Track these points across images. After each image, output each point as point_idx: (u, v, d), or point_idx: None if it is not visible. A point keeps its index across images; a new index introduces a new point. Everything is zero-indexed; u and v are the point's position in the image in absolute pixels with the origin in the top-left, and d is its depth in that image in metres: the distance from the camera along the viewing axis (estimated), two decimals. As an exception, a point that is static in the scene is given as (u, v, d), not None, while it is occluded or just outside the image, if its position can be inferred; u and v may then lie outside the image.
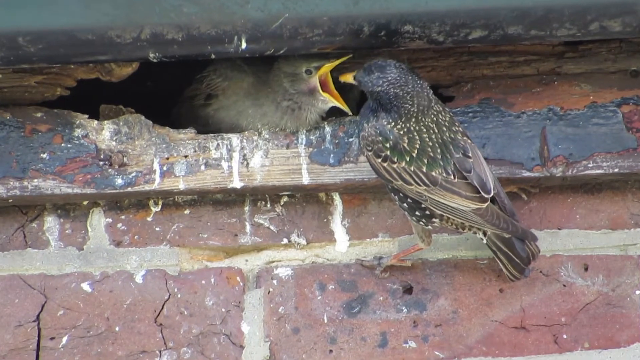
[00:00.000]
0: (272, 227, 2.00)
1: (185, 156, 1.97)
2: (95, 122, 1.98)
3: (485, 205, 1.85)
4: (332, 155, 1.98)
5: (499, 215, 1.85)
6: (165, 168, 1.97)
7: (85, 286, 1.97)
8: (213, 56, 1.86)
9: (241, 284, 1.99)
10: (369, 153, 1.87)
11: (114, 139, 1.98)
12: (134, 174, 1.96)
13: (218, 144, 1.98)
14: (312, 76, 1.97)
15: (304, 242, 2.00)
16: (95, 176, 1.96)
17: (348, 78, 1.92)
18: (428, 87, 1.87)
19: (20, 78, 1.96)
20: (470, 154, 1.86)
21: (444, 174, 1.85)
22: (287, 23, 1.80)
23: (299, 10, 1.79)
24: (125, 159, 1.96)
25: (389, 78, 1.84)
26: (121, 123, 1.98)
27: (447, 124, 1.87)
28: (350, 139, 1.98)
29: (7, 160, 1.95)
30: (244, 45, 1.83)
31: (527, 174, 1.97)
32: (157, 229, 2.00)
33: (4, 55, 1.81)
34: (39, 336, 1.94)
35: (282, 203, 2.01)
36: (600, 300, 1.98)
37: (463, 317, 1.97)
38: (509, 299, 1.98)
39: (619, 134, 1.98)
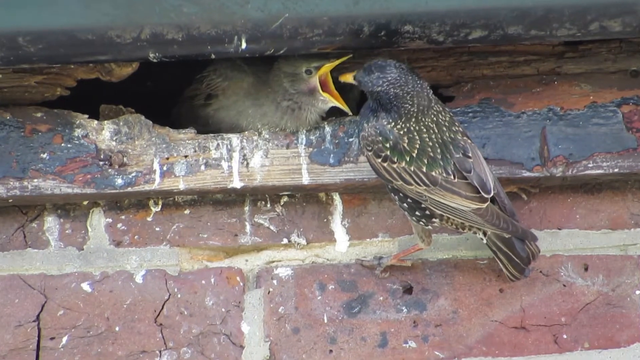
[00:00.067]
0: (272, 227, 2.00)
1: (185, 156, 1.97)
2: (95, 122, 1.98)
3: (485, 205, 1.85)
4: (332, 155, 1.98)
5: (499, 215, 1.85)
6: (165, 168, 1.97)
7: (85, 286, 1.97)
8: (213, 56, 1.86)
9: (241, 284, 1.99)
10: (369, 153, 1.87)
11: (114, 139, 1.98)
12: (134, 174, 1.96)
13: (218, 144, 1.98)
14: (312, 76, 1.97)
15: (304, 242, 2.00)
16: (95, 176, 1.96)
17: (348, 78, 1.92)
18: (428, 87, 1.87)
19: (20, 78, 1.96)
20: (470, 154, 1.86)
21: (444, 174, 1.85)
22: (287, 23, 1.80)
23: (299, 10, 1.79)
24: (125, 159, 1.96)
25: (389, 78, 1.84)
26: (121, 123, 1.98)
27: (447, 124, 1.87)
28: (350, 139, 1.98)
29: (7, 160, 1.95)
30: (244, 45, 1.83)
31: (527, 174, 1.97)
32: (157, 229, 2.00)
33: (4, 55, 1.81)
34: (39, 336, 1.94)
35: (282, 203, 2.01)
36: (600, 300, 1.98)
37: (463, 317, 1.97)
38: (509, 299, 1.98)
39: (619, 134, 1.98)
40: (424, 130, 1.86)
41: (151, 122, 1.99)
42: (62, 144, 1.97)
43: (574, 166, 1.96)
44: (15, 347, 1.94)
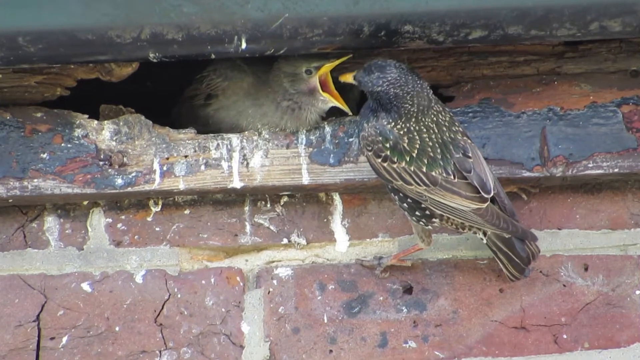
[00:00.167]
0: (272, 227, 2.00)
1: (185, 156, 1.97)
2: (95, 122, 1.98)
3: (485, 205, 1.85)
4: (332, 155, 1.98)
5: (499, 215, 1.85)
6: (165, 168, 1.97)
7: (85, 286, 1.97)
8: (213, 56, 1.86)
9: (241, 284, 1.98)
10: (369, 153, 1.87)
11: (114, 139, 1.98)
12: (134, 174, 1.96)
13: (218, 144, 1.98)
14: (312, 76, 1.97)
15: (304, 242, 2.00)
16: (95, 176, 1.96)
17: (348, 78, 1.92)
18: (428, 87, 1.87)
19: (20, 78, 1.96)
20: (470, 154, 1.86)
21: (444, 174, 1.85)
22: (287, 23, 1.80)
23: (299, 10, 1.79)
24: (125, 159, 1.96)
25: (389, 78, 1.84)
26: (121, 123, 1.98)
27: (447, 124, 1.87)
28: (350, 139, 1.98)
29: (7, 160, 1.95)
30: (244, 45, 1.83)
31: (527, 174, 1.97)
32: (157, 229, 2.00)
33: (4, 55, 1.81)
34: (39, 336, 1.94)
35: (282, 203, 2.01)
36: (600, 300, 1.98)
37: (463, 317, 1.97)
38: (509, 299, 1.98)
39: (619, 134, 1.98)
40: (424, 130, 1.86)
41: (151, 122, 1.99)
42: (62, 144, 1.96)
43: (574, 166, 1.96)
44: (15, 347, 1.94)
